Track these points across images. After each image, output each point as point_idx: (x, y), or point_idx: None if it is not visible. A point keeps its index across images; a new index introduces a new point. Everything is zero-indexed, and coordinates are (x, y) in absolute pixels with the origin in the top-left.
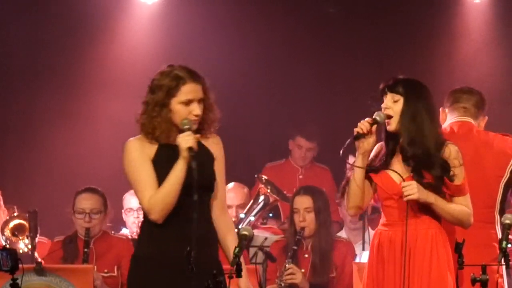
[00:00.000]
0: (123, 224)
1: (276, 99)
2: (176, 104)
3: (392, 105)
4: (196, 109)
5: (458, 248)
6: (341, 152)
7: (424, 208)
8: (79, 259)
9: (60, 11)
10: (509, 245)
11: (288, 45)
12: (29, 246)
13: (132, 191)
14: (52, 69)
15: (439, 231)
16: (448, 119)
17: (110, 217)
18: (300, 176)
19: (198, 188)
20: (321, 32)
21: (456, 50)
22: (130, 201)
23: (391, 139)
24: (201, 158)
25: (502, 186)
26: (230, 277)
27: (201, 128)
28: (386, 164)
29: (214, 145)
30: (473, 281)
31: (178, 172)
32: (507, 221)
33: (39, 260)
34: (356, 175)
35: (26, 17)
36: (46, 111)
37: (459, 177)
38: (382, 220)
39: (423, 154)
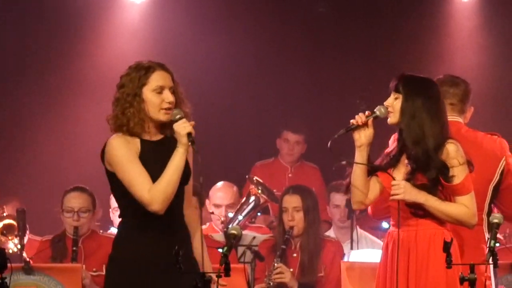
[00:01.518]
0: (111, 223)
1: (266, 98)
2: (148, 93)
3: (393, 102)
4: (169, 96)
5: (446, 247)
6: (329, 143)
7: (425, 208)
8: (67, 258)
9: (47, 10)
10: (497, 244)
11: (278, 44)
12: (18, 246)
13: None
14: (40, 68)
15: (439, 231)
16: None
17: (98, 217)
18: (290, 175)
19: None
20: (311, 31)
21: (446, 49)
22: None
23: (401, 137)
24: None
25: (492, 189)
26: (218, 276)
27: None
28: (391, 163)
29: None
30: (462, 280)
31: (178, 161)
32: (496, 220)
33: (27, 259)
34: (354, 171)
35: (12, 17)
36: (35, 110)
37: (459, 176)
38: (391, 220)
39: (423, 155)
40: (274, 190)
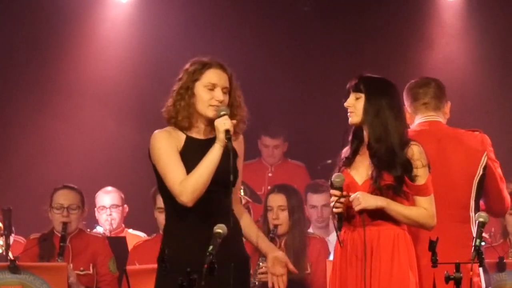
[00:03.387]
0: (96, 222)
1: (250, 98)
2: (199, 88)
3: (354, 103)
4: (220, 95)
5: (431, 246)
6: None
7: (381, 210)
8: (55, 256)
9: (30, 10)
10: (483, 243)
11: (262, 43)
12: (3, 247)
13: (104, 189)
14: (25, 68)
15: (402, 231)
16: (415, 119)
17: (84, 216)
18: (270, 174)
19: (222, 183)
20: (295, 31)
21: (431, 48)
22: (103, 199)
23: (355, 137)
24: (224, 153)
25: (476, 184)
26: (206, 274)
27: None
28: (349, 163)
29: (238, 143)
30: (447, 279)
31: (213, 155)
32: (481, 219)
33: (13, 258)
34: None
35: None
36: (20, 110)
37: (422, 177)
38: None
39: (386, 151)
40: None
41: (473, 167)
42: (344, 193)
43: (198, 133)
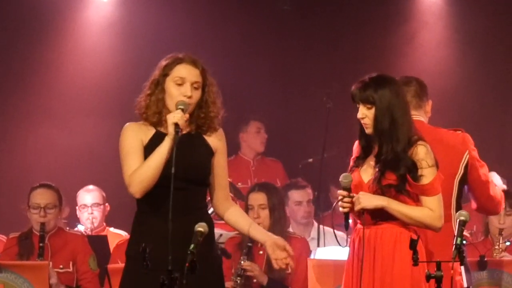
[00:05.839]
0: (78, 220)
1: (229, 96)
2: (169, 83)
3: (367, 112)
4: (188, 90)
5: (412, 245)
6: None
7: (383, 210)
8: (34, 255)
9: (9, 9)
10: (464, 242)
11: (242, 42)
12: None
13: (85, 188)
14: (4, 66)
15: (405, 230)
16: None
17: (64, 214)
18: (253, 168)
19: (184, 179)
20: (275, 29)
21: (411, 47)
22: (84, 197)
23: (363, 137)
24: (192, 149)
25: (457, 183)
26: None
27: (202, 122)
28: (357, 164)
29: (216, 139)
30: (428, 278)
31: (162, 148)
32: (462, 218)
33: None
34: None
35: None
36: None
37: (427, 177)
38: (356, 218)
39: (392, 152)
40: (239, 184)
41: (454, 166)
42: (351, 194)
43: (163, 126)
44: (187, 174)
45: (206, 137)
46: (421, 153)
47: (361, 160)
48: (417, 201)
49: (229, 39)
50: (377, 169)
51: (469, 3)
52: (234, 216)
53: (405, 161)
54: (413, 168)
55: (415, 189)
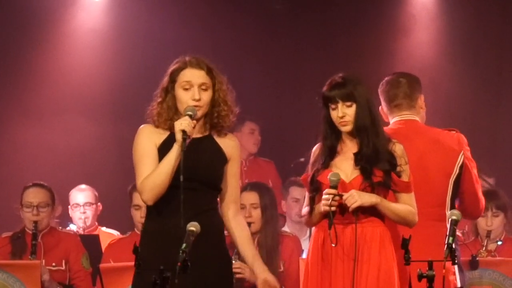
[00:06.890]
0: (70, 220)
1: None
2: (178, 90)
3: (346, 111)
4: (195, 93)
5: (404, 244)
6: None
7: (369, 208)
8: (27, 253)
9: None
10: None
11: (234, 41)
12: None
13: (78, 187)
14: None
15: (385, 228)
16: (391, 119)
17: (57, 214)
18: (245, 168)
19: (195, 180)
20: (267, 28)
21: (403, 46)
22: (76, 196)
23: (329, 138)
24: (205, 153)
25: (452, 183)
26: (178, 273)
27: (215, 122)
28: (326, 164)
29: (230, 146)
30: (420, 277)
31: (170, 155)
32: (454, 217)
33: None
34: (315, 215)
35: None
36: None
37: (406, 174)
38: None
39: (373, 150)
40: None
41: (449, 166)
42: (339, 193)
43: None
44: (198, 176)
45: (220, 143)
46: (399, 150)
47: (328, 161)
48: (390, 197)
49: (221, 38)
50: (360, 166)
51: (460, 1)
52: (241, 239)
53: (388, 157)
54: (394, 164)
55: (399, 186)
